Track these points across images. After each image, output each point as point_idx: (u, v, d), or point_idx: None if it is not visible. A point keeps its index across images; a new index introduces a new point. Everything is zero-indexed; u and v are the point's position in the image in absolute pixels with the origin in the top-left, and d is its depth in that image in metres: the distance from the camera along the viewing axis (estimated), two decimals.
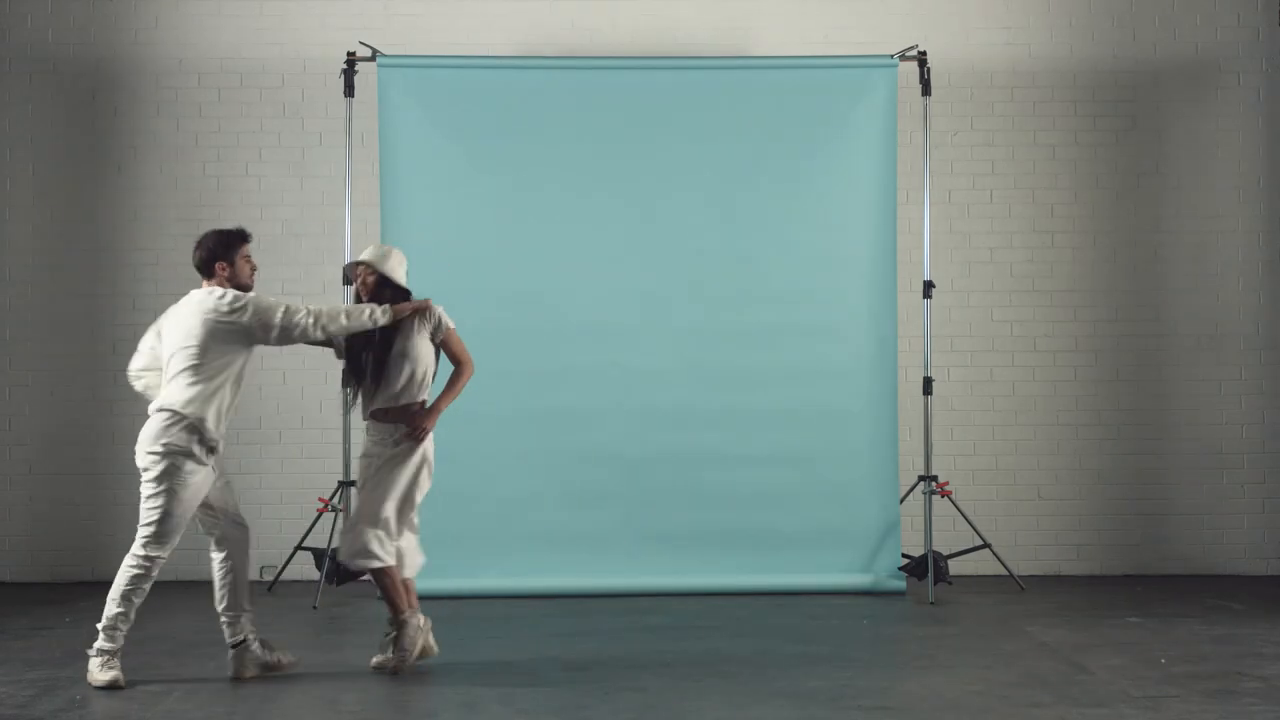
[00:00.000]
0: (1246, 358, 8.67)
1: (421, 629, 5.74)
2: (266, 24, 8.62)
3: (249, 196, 8.57)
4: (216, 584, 5.62)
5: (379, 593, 5.84)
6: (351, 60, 7.88)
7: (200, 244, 5.68)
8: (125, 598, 5.40)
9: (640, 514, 7.84)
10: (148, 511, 5.43)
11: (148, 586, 5.45)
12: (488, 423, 7.74)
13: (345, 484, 7.64)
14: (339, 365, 5.99)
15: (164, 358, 5.56)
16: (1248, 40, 8.75)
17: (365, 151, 8.33)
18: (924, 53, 7.99)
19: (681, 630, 6.74)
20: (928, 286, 7.88)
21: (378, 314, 5.67)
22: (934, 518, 7.83)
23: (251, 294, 5.60)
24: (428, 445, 5.79)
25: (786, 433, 7.89)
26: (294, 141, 8.61)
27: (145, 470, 5.43)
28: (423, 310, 5.81)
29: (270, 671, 5.63)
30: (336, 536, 7.67)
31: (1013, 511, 8.55)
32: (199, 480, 5.46)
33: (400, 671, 5.67)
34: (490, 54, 8.38)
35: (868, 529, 7.86)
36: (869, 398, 7.92)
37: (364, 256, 5.88)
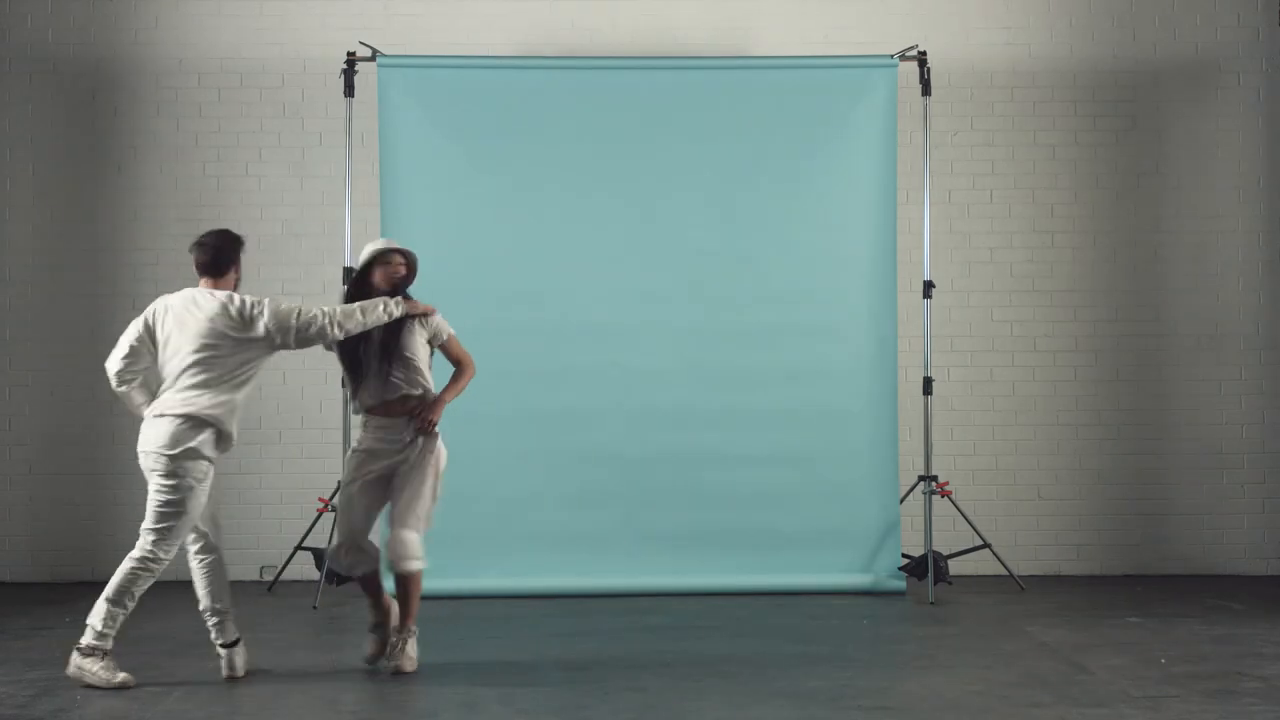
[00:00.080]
0: (1246, 358, 8.67)
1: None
2: (266, 24, 8.62)
3: (249, 196, 8.57)
4: (200, 583, 5.61)
5: (385, 593, 5.85)
6: (351, 60, 7.88)
7: (209, 243, 5.67)
8: (130, 596, 5.39)
9: (640, 514, 7.84)
10: (163, 512, 5.41)
11: (148, 586, 5.44)
12: (488, 423, 7.74)
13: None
14: (339, 365, 5.98)
15: (167, 359, 5.51)
16: (1248, 40, 8.75)
17: (365, 151, 8.33)
18: (924, 53, 7.99)
19: (681, 630, 6.74)
20: (928, 286, 7.88)
21: (392, 307, 5.69)
22: (934, 518, 7.83)
23: (265, 298, 5.61)
24: (442, 448, 5.82)
25: (786, 433, 7.89)
26: (294, 141, 8.61)
27: (162, 471, 5.40)
28: (428, 314, 5.83)
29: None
30: (337, 537, 7.68)
31: (1013, 511, 8.55)
32: (211, 479, 5.50)
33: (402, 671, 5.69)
34: (490, 54, 8.38)
35: (868, 529, 7.86)
36: (869, 398, 7.92)
37: (398, 245, 5.89)
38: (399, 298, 5.77)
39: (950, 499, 7.91)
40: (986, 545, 7.91)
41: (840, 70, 8.07)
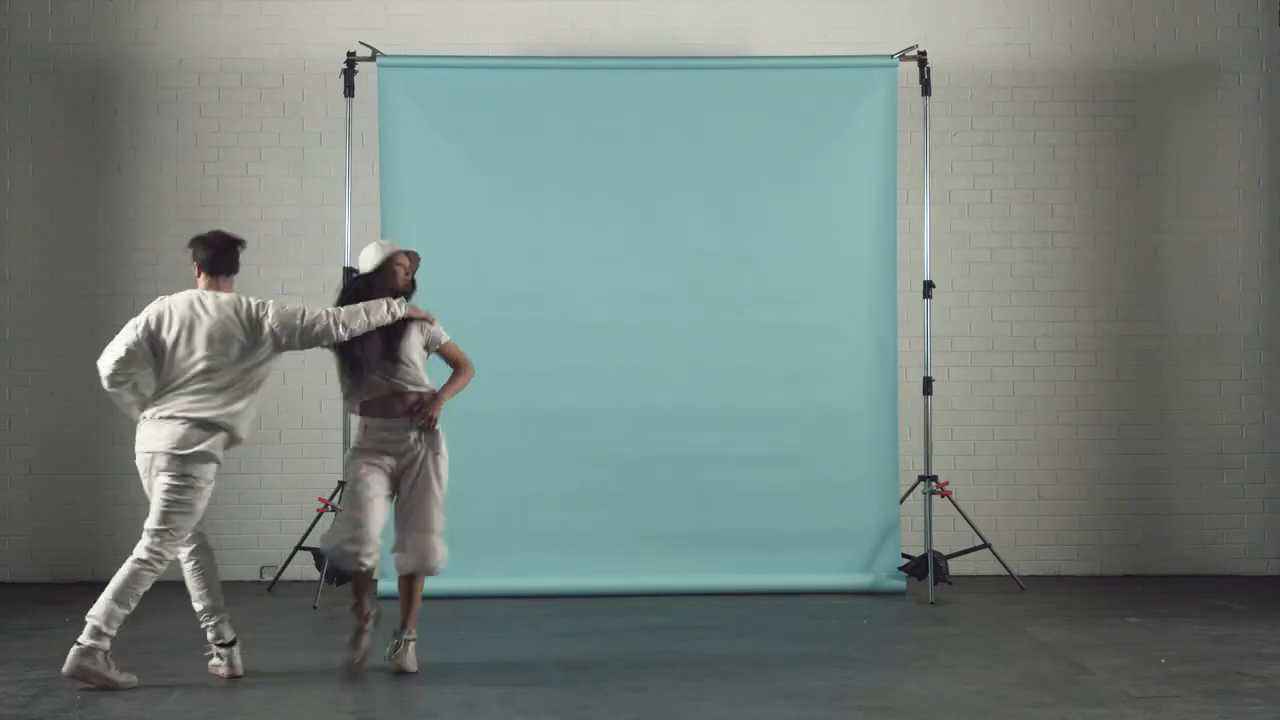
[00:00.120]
0: (1246, 358, 8.67)
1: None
2: (266, 24, 8.63)
3: (249, 196, 8.57)
4: (195, 584, 5.61)
5: (374, 593, 5.85)
6: (351, 60, 7.88)
7: (214, 241, 5.68)
8: (134, 596, 5.38)
9: (640, 514, 7.84)
10: (170, 512, 5.41)
11: (150, 585, 5.44)
12: (488, 423, 7.74)
13: (345, 484, 7.63)
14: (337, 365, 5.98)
15: (176, 362, 5.48)
16: (1248, 40, 8.75)
17: (365, 151, 8.33)
18: (924, 53, 7.99)
19: (681, 630, 6.74)
20: (928, 286, 7.88)
21: (395, 308, 5.71)
22: (934, 518, 7.83)
23: (269, 299, 5.64)
24: (445, 449, 5.85)
25: (786, 433, 7.89)
26: (294, 141, 8.61)
27: (173, 472, 5.40)
28: (427, 320, 5.85)
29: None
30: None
31: (1013, 511, 8.55)
32: (215, 479, 5.56)
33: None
34: (490, 54, 8.38)
35: (868, 529, 7.86)
36: (869, 398, 7.92)
37: (404, 248, 5.90)
38: (401, 298, 5.79)
39: (950, 499, 7.91)
40: (986, 545, 7.91)
41: (840, 70, 8.07)
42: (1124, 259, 8.69)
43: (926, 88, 7.95)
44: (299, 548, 7.86)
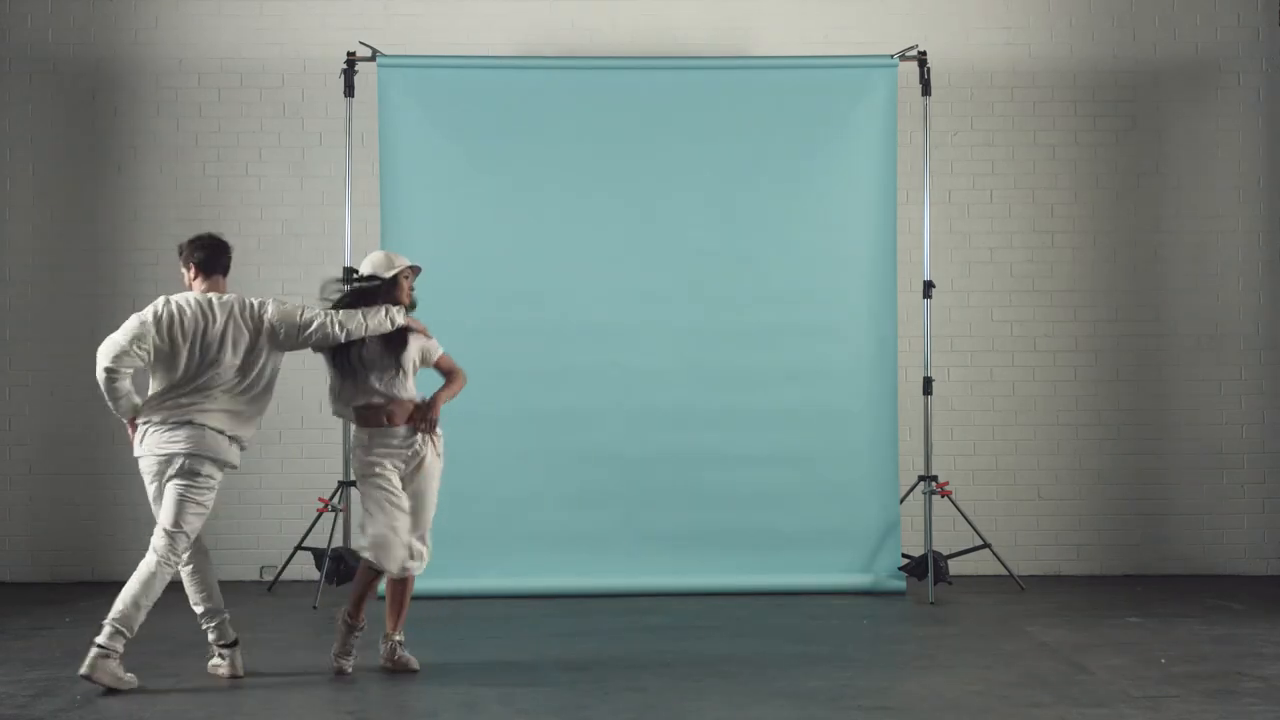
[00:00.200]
0: (1246, 358, 8.67)
1: None
2: (266, 24, 8.63)
3: (249, 196, 8.57)
4: (195, 587, 5.61)
5: (372, 592, 5.85)
6: (351, 60, 7.88)
7: (209, 243, 5.69)
8: (150, 597, 5.39)
9: (640, 514, 7.84)
10: (190, 513, 5.45)
11: (164, 586, 5.46)
12: (488, 423, 7.74)
13: (345, 484, 7.64)
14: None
15: (182, 364, 5.47)
16: (1248, 40, 8.75)
17: (365, 151, 8.33)
18: (924, 53, 7.99)
19: (681, 630, 6.73)
20: (928, 286, 7.88)
21: (395, 315, 5.72)
22: (934, 518, 7.83)
23: (268, 298, 5.68)
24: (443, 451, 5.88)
25: (786, 433, 7.89)
26: (294, 141, 8.61)
27: (201, 473, 5.45)
28: (424, 333, 5.86)
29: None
30: (337, 537, 7.69)
31: (1013, 511, 8.55)
32: None
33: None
34: (490, 54, 8.38)
35: (868, 529, 7.86)
36: (869, 398, 7.92)
37: (410, 264, 5.92)
38: (400, 308, 5.80)
39: (950, 499, 7.91)
40: (986, 545, 7.91)
41: (840, 70, 8.07)
42: (1124, 259, 8.69)
43: (926, 88, 7.95)
44: (299, 548, 7.86)
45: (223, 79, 8.61)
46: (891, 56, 8.03)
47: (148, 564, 5.39)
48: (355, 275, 5.97)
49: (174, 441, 5.44)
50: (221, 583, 5.73)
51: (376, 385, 5.72)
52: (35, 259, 8.55)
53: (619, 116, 8.02)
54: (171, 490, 5.45)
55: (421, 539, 5.77)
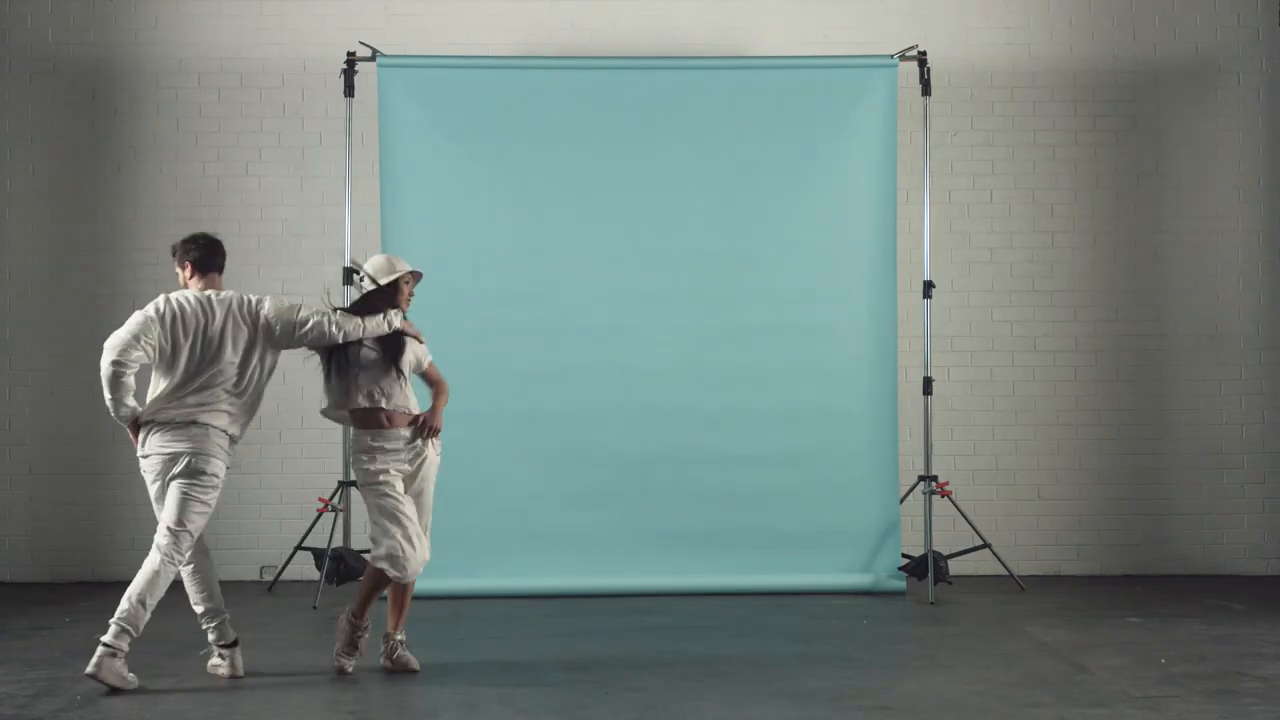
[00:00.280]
0: (1246, 358, 8.67)
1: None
2: (266, 24, 8.63)
3: (249, 196, 8.57)
4: (196, 587, 5.61)
5: (374, 593, 5.84)
6: (351, 60, 7.88)
7: (204, 242, 5.70)
8: (155, 596, 5.40)
9: (640, 514, 7.84)
10: (195, 511, 5.47)
11: (168, 585, 5.47)
12: (488, 423, 7.74)
13: (345, 484, 7.64)
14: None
15: (183, 363, 5.48)
16: (1248, 40, 8.75)
17: (365, 151, 8.33)
18: (924, 53, 7.99)
19: (681, 630, 6.73)
20: (928, 286, 7.88)
21: (393, 318, 5.73)
22: (934, 518, 7.83)
23: (265, 295, 5.69)
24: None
25: (786, 433, 7.89)
26: (294, 141, 8.61)
27: (207, 472, 5.47)
28: (418, 339, 5.87)
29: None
30: (337, 537, 7.68)
31: (1013, 511, 8.55)
32: None
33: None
34: (490, 54, 8.38)
35: (868, 529, 7.86)
36: (869, 398, 7.92)
37: (411, 268, 5.91)
38: (398, 311, 5.80)
39: (950, 499, 7.91)
40: (986, 545, 7.91)
41: (840, 70, 8.07)
42: (1124, 259, 8.69)
43: (926, 88, 7.95)
44: (299, 548, 7.86)
45: (223, 79, 8.61)
46: (891, 56, 8.03)
47: (151, 563, 5.40)
48: (357, 275, 5.96)
49: (178, 441, 5.45)
50: (221, 583, 5.73)
51: (373, 388, 5.72)
52: (35, 259, 8.55)
53: (619, 116, 8.02)
54: (175, 489, 5.46)
55: (426, 539, 5.77)
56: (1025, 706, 5.13)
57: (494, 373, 7.80)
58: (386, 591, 5.82)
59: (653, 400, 7.89)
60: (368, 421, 5.72)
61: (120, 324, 5.53)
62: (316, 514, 7.78)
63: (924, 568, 7.60)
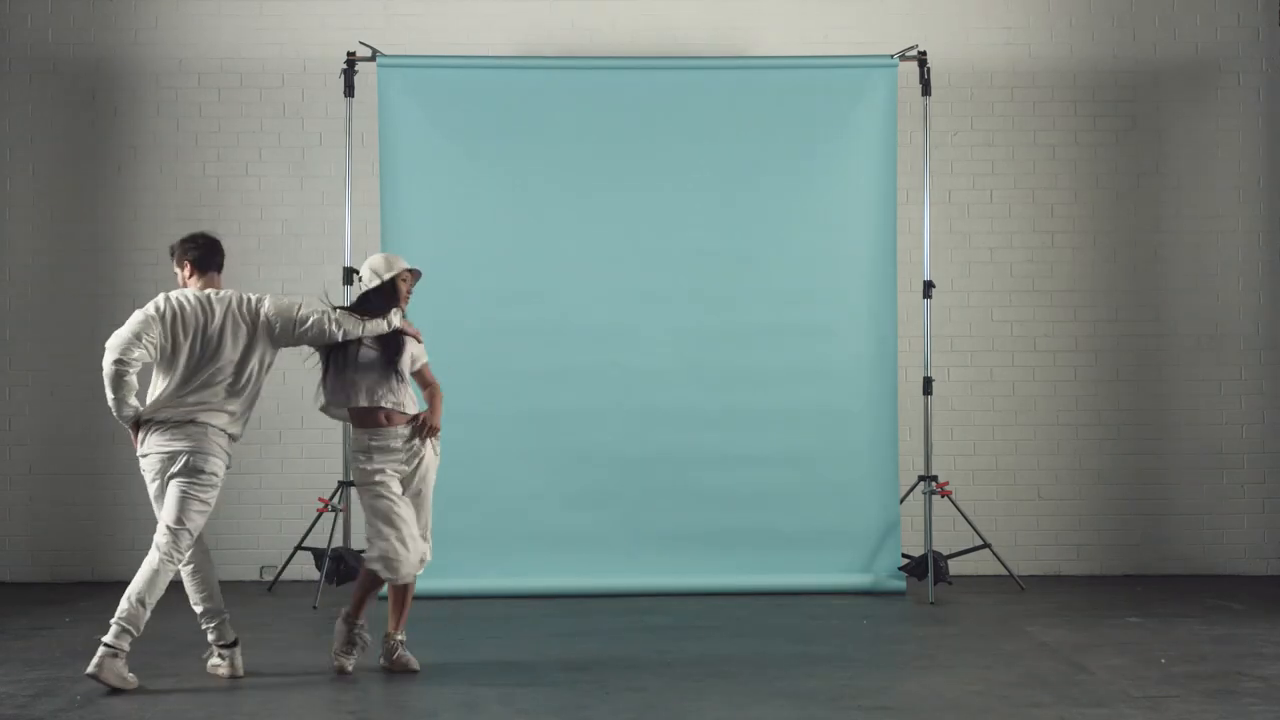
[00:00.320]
0: (1246, 358, 8.67)
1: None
2: (266, 24, 8.63)
3: (249, 196, 8.57)
4: (194, 589, 5.61)
5: (376, 592, 5.84)
6: (351, 60, 7.88)
7: (203, 241, 5.71)
8: (154, 596, 5.40)
9: (640, 514, 7.84)
10: (195, 510, 5.47)
11: (167, 584, 5.47)
12: (488, 423, 7.74)
13: (345, 484, 7.64)
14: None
15: (182, 362, 5.48)
16: (1248, 40, 8.75)
17: (365, 151, 8.33)
18: (924, 53, 7.99)
19: (681, 630, 6.73)
20: (928, 286, 7.88)
21: (392, 317, 5.73)
22: (934, 518, 7.83)
23: (265, 294, 5.70)
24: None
25: (786, 433, 7.89)
26: (294, 141, 8.61)
27: (206, 471, 5.47)
28: (417, 337, 5.86)
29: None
30: (337, 537, 7.69)
31: (1013, 511, 8.55)
32: None
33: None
34: (490, 54, 8.38)
35: (868, 529, 7.86)
36: (869, 398, 7.92)
37: (409, 266, 5.91)
38: (397, 310, 5.80)
39: (950, 499, 7.91)
40: (986, 545, 7.91)
41: (840, 70, 8.07)
42: (1124, 259, 8.69)
43: (926, 88, 7.95)
44: (299, 548, 7.86)
45: (223, 79, 8.61)
46: (891, 56, 8.03)
47: (151, 562, 5.40)
48: (357, 275, 5.96)
49: (177, 440, 5.45)
50: (221, 583, 5.73)
51: (372, 387, 5.71)
52: (35, 259, 8.55)
53: (619, 116, 8.02)
54: (174, 488, 5.46)
55: (424, 538, 5.77)
56: (1025, 706, 5.13)
57: (494, 373, 7.80)
58: (387, 591, 5.82)
59: (653, 400, 7.89)
60: (366, 420, 5.72)
61: (121, 324, 5.52)
62: (316, 514, 7.78)
63: (924, 568, 7.60)
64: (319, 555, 7.59)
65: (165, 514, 5.46)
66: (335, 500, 7.69)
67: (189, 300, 5.56)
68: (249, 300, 5.61)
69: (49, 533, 8.46)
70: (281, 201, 8.59)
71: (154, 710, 5.12)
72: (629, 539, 7.82)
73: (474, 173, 7.95)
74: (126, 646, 5.35)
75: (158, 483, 5.51)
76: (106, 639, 5.33)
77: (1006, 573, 8.03)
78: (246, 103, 8.61)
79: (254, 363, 5.59)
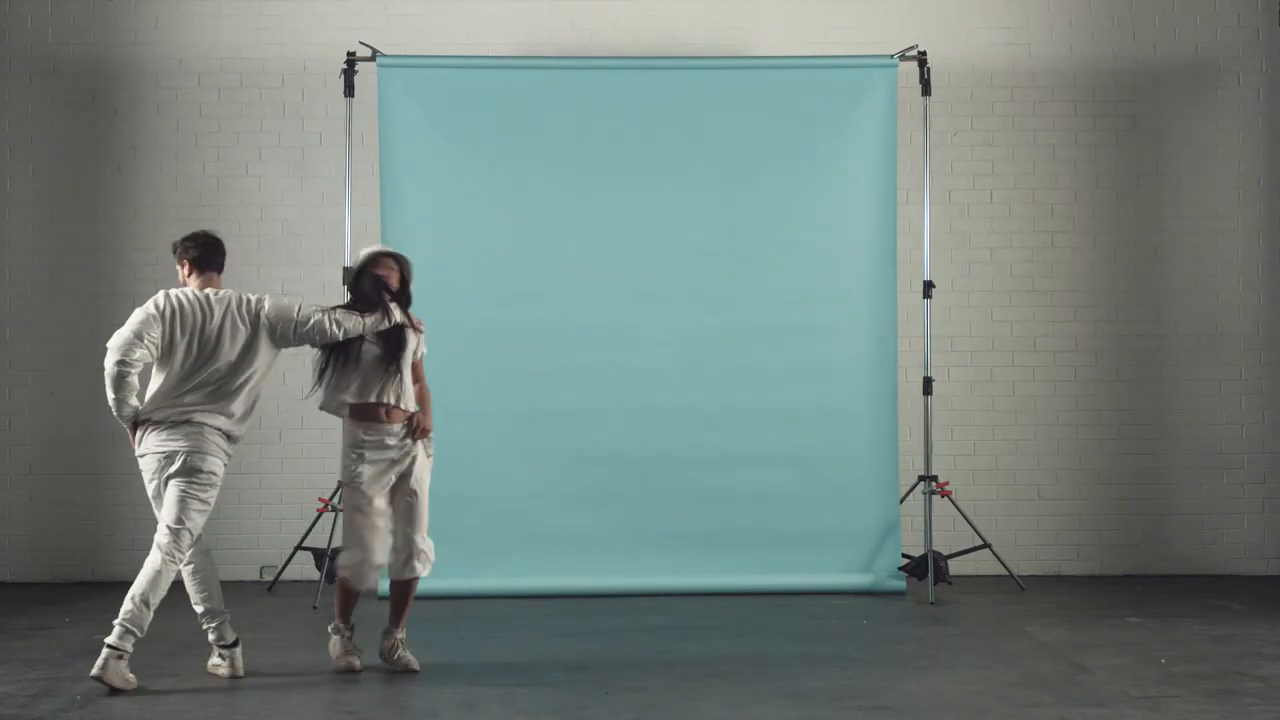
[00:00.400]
0: (1246, 358, 8.67)
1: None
2: (266, 24, 8.63)
3: (249, 196, 8.57)
4: (194, 589, 5.61)
5: (380, 593, 5.85)
6: (351, 60, 7.88)
7: (203, 240, 5.70)
8: (157, 596, 5.40)
9: (640, 514, 7.84)
10: (194, 510, 5.47)
11: (169, 584, 5.47)
12: (488, 423, 7.75)
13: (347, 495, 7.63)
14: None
15: (189, 362, 5.49)
16: (1248, 40, 8.75)
17: (365, 151, 8.33)
18: (924, 53, 7.99)
19: (681, 630, 6.73)
20: (928, 286, 7.88)
21: (393, 313, 5.72)
22: (934, 518, 7.83)
23: (265, 294, 5.70)
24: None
25: (786, 433, 7.89)
26: (294, 141, 8.61)
27: (206, 470, 5.47)
28: (418, 328, 5.86)
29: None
30: (337, 537, 7.68)
31: (1013, 511, 8.55)
32: None
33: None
34: (490, 54, 8.38)
35: (868, 529, 7.86)
36: (869, 398, 7.92)
37: (391, 250, 5.90)
38: (395, 305, 5.79)
39: (950, 499, 7.91)
40: (986, 545, 7.91)
41: (840, 70, 8.07)
42: (1124, 259, 8.69)
43: (926, 88, 7.95)
44: (299, 548, 7.86)
45: (223, 79, 8.61)
46: (891, 56, 8.03)
47: (153, 562, 5.40)
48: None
49: (174, 439, 5.45)
50: (221, 583, 5.73)
51: (374, 384, 5.71)
52: (35, 259, 8.55)
53: (619, 116, 8.02)
54: (173, 488, 5.46)
55: (423, 539, 5.76)
56: (1025, 706, 5.13)
57: (494, 373, 7.80)
58: (388, 591, 5.82)
59: (653, 400, 7.89)
60: (364, 415, 5.72)
61: (121, 323, 5.52)
62: (316, 514, 7.78)
63: (924, 568, 7.60)
64: (319, 555, 7.59)
65: (165, 514, 5.46)
66: (335, 500, 7.68)
67: (188, 299, 5.56)
68: (248, 301, 5.61)
69: (49, 533, 8.46)
70: (281, 201, 8.59)
71: (154, 710, 5.12)
72: (629, 539, 7.82)
73: (474, 173, 7.95)
74: (130, 647, 5.35)
75: (155, 482, 5.51)
76: (110, 640, 5.32)
77: (1006, 573, 8.03)
78: (246, 103, 8.61)
79: (253, 363, 5.59)
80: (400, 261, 5.89)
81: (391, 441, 5.71)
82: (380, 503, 5.69)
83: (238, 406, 5.57)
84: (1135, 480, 8.61)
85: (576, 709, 5.11)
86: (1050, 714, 5.02)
